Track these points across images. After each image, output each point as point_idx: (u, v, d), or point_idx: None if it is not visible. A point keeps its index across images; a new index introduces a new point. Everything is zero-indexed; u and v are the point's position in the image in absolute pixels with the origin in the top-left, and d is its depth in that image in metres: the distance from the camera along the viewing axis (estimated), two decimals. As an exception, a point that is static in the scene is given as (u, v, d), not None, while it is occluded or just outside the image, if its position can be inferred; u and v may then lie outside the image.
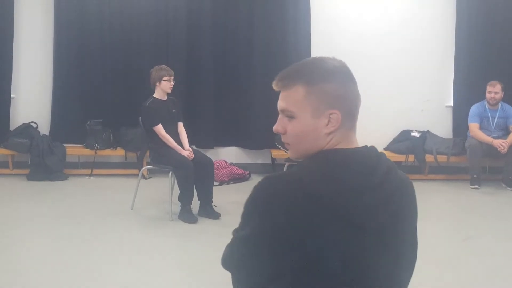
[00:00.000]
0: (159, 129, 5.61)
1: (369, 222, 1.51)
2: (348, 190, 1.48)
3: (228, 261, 1.65)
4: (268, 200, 1.50)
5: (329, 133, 1.54)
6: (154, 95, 5.73)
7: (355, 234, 1.48)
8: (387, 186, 1.58)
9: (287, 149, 1.67)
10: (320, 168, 1.50)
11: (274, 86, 1.62)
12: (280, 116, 1.61)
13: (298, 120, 1.55)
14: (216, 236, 5.15)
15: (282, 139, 1.63)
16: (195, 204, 5.63)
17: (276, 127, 1.62)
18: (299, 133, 1.57)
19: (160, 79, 5.64)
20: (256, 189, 1.55)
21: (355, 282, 1.50)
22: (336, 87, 1.54)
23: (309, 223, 1.44)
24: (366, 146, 1.61)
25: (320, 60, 1.61)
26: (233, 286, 1.64)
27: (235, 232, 1.62)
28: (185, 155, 5.55)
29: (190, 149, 5.71)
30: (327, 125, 1.54)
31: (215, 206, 5.70)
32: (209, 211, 5.61)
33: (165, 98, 5.75)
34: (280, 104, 1.59)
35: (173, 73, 5.74)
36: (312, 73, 1.56)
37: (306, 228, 1.44)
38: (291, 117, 1.57)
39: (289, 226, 1.45)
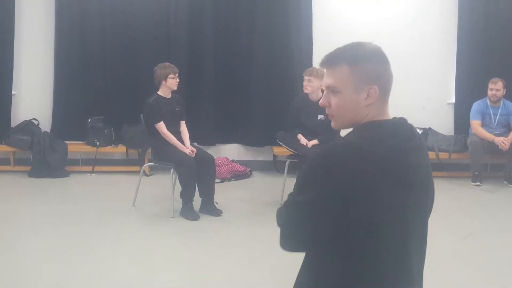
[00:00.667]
0: (161, 126, 5.61)
1: (414, 179, 1.76)
2: (397, 152, 1.73)
3: (284, 221, 1.80)
4: (330, 166, 1.69)
5: (368, 105, 1.79)
6: (158, 93, 5.72)
7: (403, 191, 1.73)
8: (423, 148, 1.86)
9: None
10: (371, 135, 1.74)
11: (321, 65, 1.89)
12: (325, 92, 1.85)
13: (342, 95, 1.79)
14: (217, 233, 5.16)
15: (326, 111, 1.87)
16: (197, 201, 5.63)
17: (322, 101, 1.86)
18: (342, 106, 1.80)
19: (166, 77, 5.63)
20: (315, 158, 1.74)
21: (397, 239, 1.73)
22: (374, 67, 1.80)
23: (367, 184, 1.66)
24: (398, 117, 1.89)
25: (361, 44, 1.85)
26: (282, 243, 1.81)
27: (292, 196, 1.79)
28: (187, 153, 5.55)
29: (192, 147, 5.70)
30: (366, 98, 1.77)
31: (217, 203, 5.70)
32: (210, 208, 5.61)
33: (169, 96, 5.75)
34: (326, 81, 1.84)
35: (177, 70, 5.73)
36: (356, 55, 1.80)
37: (365, 188, 1.66)
38: (336, 92, 1.80)
39: (350, 188, 1.65)
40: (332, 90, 1.82)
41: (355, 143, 1.74)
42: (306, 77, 5.91)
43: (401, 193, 1.72)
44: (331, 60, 1.84)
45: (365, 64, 1.79)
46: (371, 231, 1.69)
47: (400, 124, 1.85)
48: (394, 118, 1.87)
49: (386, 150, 1.71)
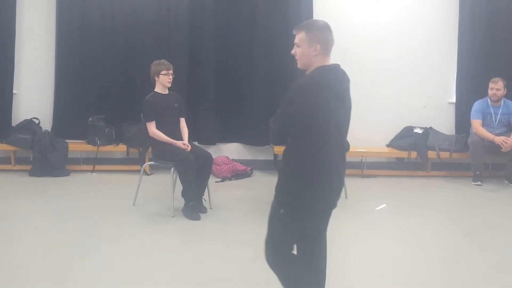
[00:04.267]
0: (151, 126, 5.64)
1: (343, 96, 3.07)
2: (335, 81, 3.02)
3: (275, 125, 3.12)
4: (302, 91, 2.94)
5: (315, 56, 3.04)
6: (155, 89, 5.76)
7: (338, 103, 3.01)
8: (348, 80, 3.10)
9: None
10: (321, 73, 3.01)
11: (293, 31, 3.13)
12: (295, 46, 3.11)
13: (301, 48, 3.08)
14: (217, 232, 5.16)
15: (295, 57, 3.13)
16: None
17: (293, 51, 3.12)
18: (301, 55, 3.09)
19: (158, 73, 5.68)
20: (295, 85, 2.96)
21: (334, 130, 2.99)
22: (319, 33, 3.06)
23: (322, 99, 2.92)
24: (334, 63, 3.08)
25: (314, 20, 3.22)
26: (271, 139, 3.40)
27: (280, 110, 3.01)
28: (181, 146, 5.56)
29: (186, 142, 5.71)
30: (314, 52, 3.03)
31: (205, 201, 5.74)
32: (197, 205, 5.63)
33: (165, 92, 5.76)
34: (295, 40, 3.10)
35: (171, 67, 5.74)
36: (309, 26, 3.11)
37: (320, 101, 2.91)
38: (298, 46, 3.09)
39: (314, 102, 2.90)
40: (297, 45, 3.10)
41: (314, 77, 3.00)
42: None
43: (338, 104, 3.01)
44: (297, 28, 3.12)
45: (314, 31, 3.05)
46: (323, 127, 2.94)
47: (336, 67, 3.08)
48: (333, 64, 3.07)
49: (329, 80, 2.99)
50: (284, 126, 3.03)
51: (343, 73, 3.08)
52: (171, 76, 5.72)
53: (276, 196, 3.14)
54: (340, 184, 3.21)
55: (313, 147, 2.94)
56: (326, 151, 2.97)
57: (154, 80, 5.74)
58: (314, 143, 2.94)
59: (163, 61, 5.76)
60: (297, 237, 3.17)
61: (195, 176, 5.48)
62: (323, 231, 3.24)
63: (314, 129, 2.91)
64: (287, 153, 3.07)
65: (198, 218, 5.45)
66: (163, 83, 5.69)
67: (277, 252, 3.16)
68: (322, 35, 3.04)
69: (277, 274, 3.19)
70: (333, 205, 3.15)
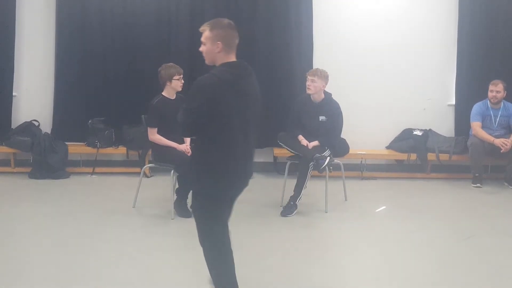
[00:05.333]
0: (152, 132, 5.64)
1: (247, 91, 3.31)
2: (236, 77, 3.25)
3: (183, 121, 3.30)
4: (204, 87, 3.19)
5: (218, 52, 3.27)
6: (163, 93, 5.73)
7: (241, 98, 3.25)
8: (252, 75, 3.38)
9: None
10: (223, 69, 3.25)
11: (200, 29, 3.34)
12: (202, 44, 3.33)
13: (206, 46, 3.31)
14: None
15: (203, 54, 3.35)
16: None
17: (200, 48, 3.34)
18: (206, 52, 3.33)
19: (171, 78, 5.65)
20: (198, 82, 3.20)
21: (238, 124, 3.26)
22: (221, 32, 3.28)
23: (222, 94, 3.18)
24: (239, 59, 3.34)
25: (219, 19, 3.39)
26: (181, 133, 3.76)
27: (185, 106, 3.27)
28: (182, 149, 5.56)
29: (188, 145, 5.70)
30: (216, 48, 3.26)
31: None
32: (183, 208, 5.64)
33: (173, 96, 5.75)
34: (201, 38, 3.32)
35: (182, 71, 5.74)
36: (213, 25, 3.31)
37: (221, 97, 3.18)
38: (204, 44, 3.32)
39: (215, 97, 3.17)
40: (203, 43, 3.32)
41: (215, 74, 3.22)
42: (309, 77, 5.91)
43: (240, 99, 3.25)
44: (203, 27, 3.32)
45: (216, 30, 3.28)
46: (225, 121, 3.22)
47: (239, 63, 3.32)
48: (237, 60, 3.32)
49: (230, 76, 3.22)
50: (190, 120, 3.26)
51: (245, 68, 3.33)
52: (182, 81, 5.72)
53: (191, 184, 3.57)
54: (247, 174, 3.46)
55: (215, 139, 3.25)
56: (229, 143, 3.26)
57: (164, 85, 5.70)
58: (216, 136, 3.24)
59: (172, 64, 5.73)
60: (214, 220, 3.46)
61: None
62: (228, 216, 3.57)
63: (216, 123, 3.20)
64: (195, 145, 3.48)
65: (189, 216, 5.44)
66: (175, 88, 5.69)
67: (205, 235, 3.53)
68: (225, 33, 3.28)
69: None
70: (238, 192, 3.51)
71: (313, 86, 5.89)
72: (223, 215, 3.49)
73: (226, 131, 3.24)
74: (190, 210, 5.54)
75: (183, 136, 3.31)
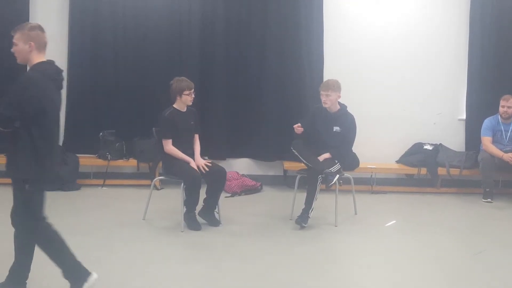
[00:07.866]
0: (167, 143, 5.67)
1: (61, 87, 3.76)
2: (56, 73, 3.67)
3: (4, 113, 3.43)
4: (31, 80, 3.51)
5: (30, 52, 3.56)
6: (174, 106, 5.77)
7: (58, 93, 3.71)
8: (61, 72, 3.79)
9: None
10: (42, 66, 3.60)
11: (11, 33, 3.62)
12: (13, 45, 3.59)
13: (18, 46, 3.58)
14: (227, 247, 5.16)
15: (15, 54, 3.60)
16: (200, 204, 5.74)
17: (12, 49, 3.61)
18: (18, 52, 3.59)
19: (181, 93, 5.68)
20: (24, 77, 3.55)
21: (57, 115, 3.71)
22: (32, 33, 3.57)
23: (47, 89, 3.55)
24: (49, 59, 3.68)
25: (27, 22, 3.74)
26: (1, 123, 3.50)
27: (9, 98, 3.44)
28: (194, 167, 5.60)
29: (206, 161, 5.75)
30: (29, 48, 3.55)
31: (217, 213, 5.80)
32: (210, 217, 5.73)
33: (184, 109, 5.79)
34: (13, 40, 3.58)
35: (193, 86, 5.77)
36: (23, 27, 3.59)
37: (46, 91, 3.54)
38: (16, 45, 3.57)
39: (40, 91, 3.49)
40: (14, 44, 3.57)
41: (39, 70, 3.55)
42: (323, 92, 5.91)
43: (58, 93, 3.70)
44: (13, 30, 3.57)
45: (26, 31, 3.57)
46: (49, 113, 3.54)
47: (50, 62, 3.68)
48: (47, 60, 3.66)
49: (51, 73, 3.60)
50: (13, 113, 3.43)
51: (56, 67, 3.74)
52: (193, 95, 5.76)
53: (8, 173, 3.67)
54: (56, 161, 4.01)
55: (42, 130, 3.52)
56: (53, 133, 3.66)
57: (175, 98, 5.74)
58: (43, 127, 3.53)
59: (184, 78, 5.77)
60: (39, 206, 3.95)
61: (199, 189, 5.52)
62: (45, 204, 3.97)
63: (43, 115, 3.50)
64: (16, 135, 3.51)
65: (198, 228, 5.50)
66: (185, 102, 5.73)
67: (24, 219, 3.93)
68: (34, 34, 3.60)
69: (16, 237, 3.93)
70: (53, 178, 4.03)
71: (329, 100, 5.89)
72: (44, 201, 3.94)
73: (51, 123, 3.61)
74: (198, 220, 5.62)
75: (2, 128, 3.50)
